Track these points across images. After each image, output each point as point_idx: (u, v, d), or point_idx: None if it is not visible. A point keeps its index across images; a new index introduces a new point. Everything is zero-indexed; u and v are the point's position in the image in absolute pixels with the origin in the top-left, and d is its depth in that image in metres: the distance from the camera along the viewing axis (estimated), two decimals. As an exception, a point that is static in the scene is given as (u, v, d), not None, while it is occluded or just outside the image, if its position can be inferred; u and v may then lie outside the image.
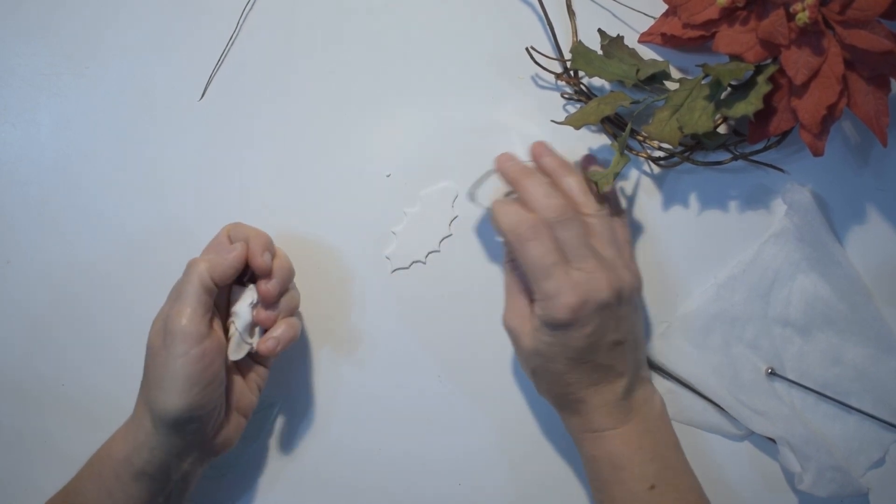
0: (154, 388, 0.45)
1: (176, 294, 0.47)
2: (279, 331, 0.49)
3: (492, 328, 0.53)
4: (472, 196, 0.53)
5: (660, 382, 0.54)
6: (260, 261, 0.48)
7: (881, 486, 0.54)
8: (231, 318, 0.49)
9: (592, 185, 0.50)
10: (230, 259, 0.47)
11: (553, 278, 0.45)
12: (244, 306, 0.48)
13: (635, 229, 0.54)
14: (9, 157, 0.57)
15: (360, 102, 0.55)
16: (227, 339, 0.48)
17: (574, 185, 0.49)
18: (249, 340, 0.49)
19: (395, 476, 0.55)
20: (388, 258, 0.55)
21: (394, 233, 0.55)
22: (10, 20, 0.57)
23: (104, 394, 0.56)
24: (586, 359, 0.46)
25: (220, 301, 0.49)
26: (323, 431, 0.55)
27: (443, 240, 0.55)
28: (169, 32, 0.56)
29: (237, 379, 0.50)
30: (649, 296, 0.54)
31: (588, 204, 0.48)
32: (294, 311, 0.51)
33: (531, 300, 0.48)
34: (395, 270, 0.55)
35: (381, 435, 0.55)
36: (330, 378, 0.55)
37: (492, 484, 0.55)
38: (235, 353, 0.48)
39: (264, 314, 0.49)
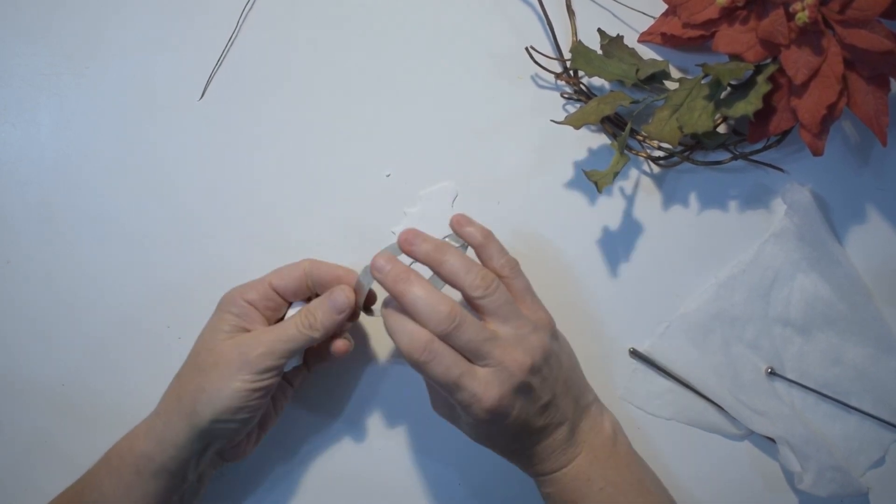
0: (205, 395, 0.46)
1: (277, 326, 0.47)
2: (342, 337, 0.50)
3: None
4: (361, 287, 0.49)
5: (660, 382, 0.54)
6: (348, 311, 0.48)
7: (881, 486, 0.53)
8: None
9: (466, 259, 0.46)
10: (338, 319, 0.48)
11: (463, 389, 0.44)
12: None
13: (635, 229, 0.54)
14: (9, 157, 0.57)
15: (359, 102, 0.55)
16: None
17: (454, 265, 0.45)
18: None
19: (394, 476, 0.55)
20: None
21: (394, 233, 0.55)
22: (10, 20, 0.57)
23: (104, 394, 0.56)
24: (523, 428, 0.46)
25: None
26: (322, 431, 0.55)
27: (443, 240, 0.55)
28: (169, 32, 0.56)
29: (269, 399, 0.50)
30: (649, 296, 0.54)
31: (478, 284, 0.45)
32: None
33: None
34: None
35: (381, 435, 0.55)
36: (329, 378, 0.55)
37: (492, 484, 0.55)
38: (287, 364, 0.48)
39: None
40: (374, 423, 0.55)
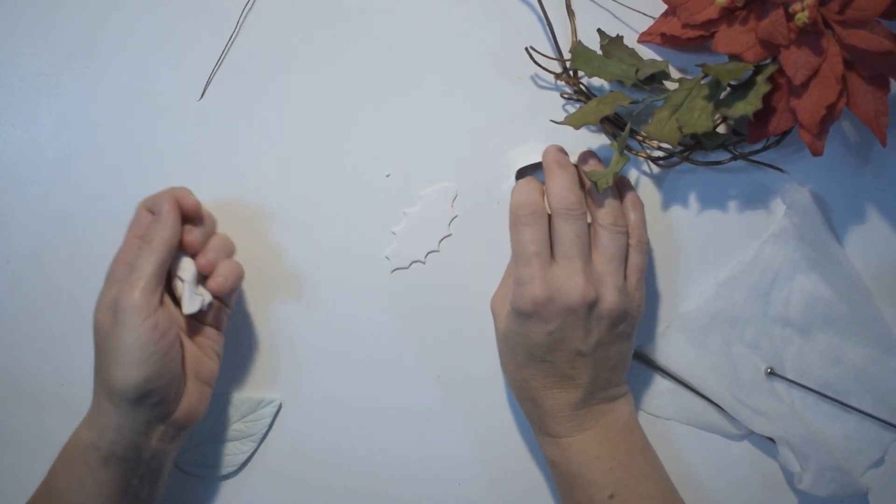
0: (111, 366, 0.45)
1: (124, 271, 0.47)
2: (223, 269, 0.49)
3: (492, 328, 0.54)
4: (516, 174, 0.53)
5: (660, 382, 0.54)
6: (190, 209, 0.49)
7: (881, 486, 0.54)
8: (176, 278, 0.49)
9: (615, 200, 0.49)
10: (171, 225, 0.48)
11: (530, 266, 0.46)
12: (186, 261, 0.49)
13: (635, 229, 0.54)
14: (9, 157, 0.57)
15: (359, 102, 0.55)
16: (178, 299, 0.49)
17: (602, 196, 0.49)
18: (199, 291, 0.49)
19: (394, 476, 0.55)
20: (387, 258, 0.55)
21: (394, 233, 0.55)
22: (10, 20, 0.57)
23: (104, 394, 0.56)
24: (545, 358, 0.47)
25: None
26: (322, 431, 0.55)
27: (442, 240, 0.55)
28: (169, 32, 0.56)
29: (190, 346, 0.49)
30: (649, 296, 0.54)
31: (609, 215, 0.48)
32: (232, 253, 0.51)
33: None
34: (394, 270, 0.55)
35: (381, 435, 0.55)
36: (329, 378, 0.55)
37: (491, 484, 0.55)
38: (190, 305, 0.48)
39: (204, 259, 0.49)
40: (374, 423, 0.55)
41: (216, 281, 0.49)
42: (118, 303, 0.45)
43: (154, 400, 0.46)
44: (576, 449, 0.47)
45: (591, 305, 0.46)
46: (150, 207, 0.50)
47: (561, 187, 0.48)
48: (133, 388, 0.45)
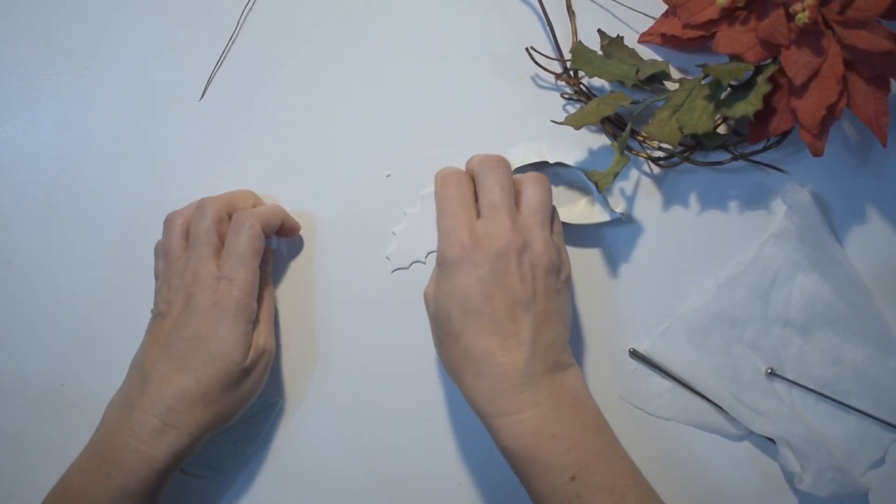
0: (235, 400, 0.49)
1: (269, 314, 0.51)
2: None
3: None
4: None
5: (659, 383, 0.54)
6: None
7: (881, 486, 0.54)
8: None
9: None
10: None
11: (455, 217, 0.46)
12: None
13: (635, 229, 0.54)
14: (9, 157, 0.57)
15: (359, 102, 0.55)
16: None
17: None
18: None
19: (394, 476, 0.55)
20: (388, 258, 0.55)
21: (394, 233, 0.55)
22: (10, 20, 0.57)
23: (104, 394, 0.56)
24: (481, 310, 0.44)
25: None
26: (322, 431, 0.55)
27: None
28: (169, 32, 0.56)
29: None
30: (649, 296, 0.54)
31: (532, 175, 0.48)
32: None
33: None
34: (395, 270, 0.55)
35: (381, 435, 0.55)
36: (330, 378, 0.55)
37: (491, 484, 0.55)
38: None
39: None
40: (374, 423, 0.55)
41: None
42: (266, 347, 0.50)
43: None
44: (529, 428, 0.43)
45: (521, 250, 0.45)
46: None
47: (482, 155, 0.49)
48: (233, 420, 0.50)
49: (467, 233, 0.45)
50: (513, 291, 0.45)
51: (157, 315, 0.50)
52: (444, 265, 0.46)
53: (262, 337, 0.49)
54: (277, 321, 0.55)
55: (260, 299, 0.50)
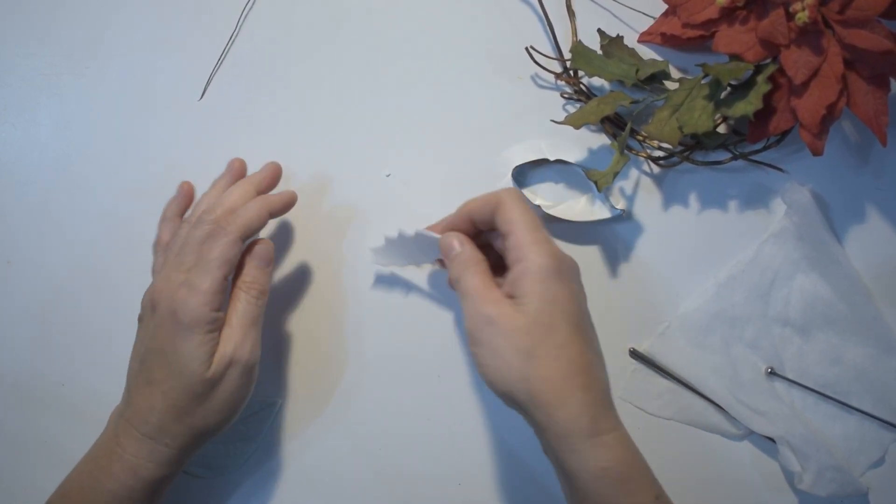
0: (209, 413, 0.47)
1: (244, 321, 0.48)
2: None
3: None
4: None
5: (659, 382, 0.54)
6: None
7: (881, 486, 0.53)
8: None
9: None
10: (269, 273, 0.50)
11: (545, 231, 0.45)
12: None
13: (635, 229, 0.54)
14: (9, 157, 0.57)
15: (359, 102, 0.55)
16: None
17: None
18: None
19: (394, 476, 0.55)
20: (371, 251, 0.54)
21: (387, 237, 0.54)
22: (10, 20, 0.57)
23: (104, 394, 0.56)
24: (580, 323, 0.44)
25: None
26: (322, 431, 0.55)
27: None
28: (169, 32, 0.56)
29: None
30: (649, 296, 0.54)
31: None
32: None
33: None
34: (375, 265, 0.54)
35: (381, 435, 0.55)
36: (330, 378, 0.55)
37: (491, 484, 0.55)
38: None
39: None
40: (374, 423, 0.55)
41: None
42: (240, 358, 0.47)
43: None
44: (626, 444, 0.42)
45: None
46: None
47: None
48: (221, 430, 0.48)
49: (558, 249, 0.44)
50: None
51: (138, 319, 0.49)
52: (547, 273, 0.43)
53: (230, 345, 0.46)
54: (276, 323, 0.55)
55: (233, 306, 0.48)
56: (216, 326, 0.46)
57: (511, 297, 0.44)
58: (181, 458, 0.47)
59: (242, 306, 0.47)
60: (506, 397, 0.44)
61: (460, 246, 0.47)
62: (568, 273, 0.44)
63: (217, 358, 0.46)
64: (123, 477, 0.45)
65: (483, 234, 0.49)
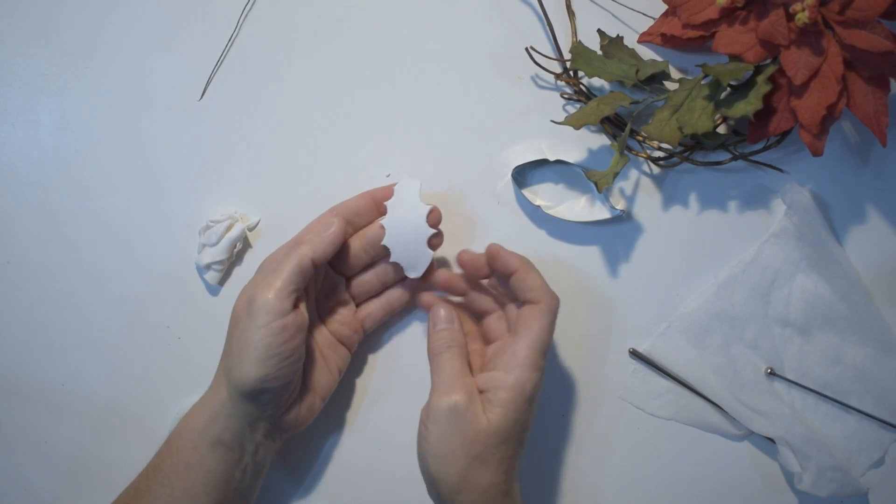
0: (233, 356, 0.46)
1: (271, 268, 0.48)
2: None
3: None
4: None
5: (659, 382, 0.54)
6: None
7: (881, 486, 0.54)
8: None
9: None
10: (329, 237, 0.48)
11: (545, 357, 0.48)
12: (420, 219, 0.49)
13: (635, 229, 0.54)
14: (9, 157, 0.57)
15: (359, 102, 0.55)
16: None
17: None
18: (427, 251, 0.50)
19: (394, 476, 0.55)
20: None
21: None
22: (10, 20, 0.57)
23: (103, 394, 0.56)
24: (524, 441, 0.48)
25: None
26: (322, 431, 0.55)
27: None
28: (169, 32, 0.56)
29: (318, 358, 0.50)
30: (649, 296, 0.54)
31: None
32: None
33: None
34: None
35: (381, 435, 0.55)
36: (330, 378, 0.55)
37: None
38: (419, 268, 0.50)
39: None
40: (376, 419, 0.55)
41: (438, 238, 0.50)
42: (254, 297, 0.46)
43: (266, 398, 0.47)
44: None
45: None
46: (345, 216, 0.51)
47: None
48: (248, 384, 0.46)
49: (541, 372, 0.47)
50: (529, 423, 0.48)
51: None
52: (525, 397, 0.46)
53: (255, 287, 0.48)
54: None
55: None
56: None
57: (482, 392, 0.47)
58: (230, 416, 0.47)
59: (280, 256, 0.48)
60: (431, 481, 0.46)
61: (449, 323, 0.50)
62: (538, 394, 0.47)
63: (245, 294, 0.47)
64: (196, 434, 0.47)
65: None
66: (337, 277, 0.52)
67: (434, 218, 0.50)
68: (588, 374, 0.55)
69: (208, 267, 0.54)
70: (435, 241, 0.50)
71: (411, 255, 0.50)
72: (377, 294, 0.53)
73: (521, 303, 0.48)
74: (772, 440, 0.53)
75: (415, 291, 0.53)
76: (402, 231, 0.49)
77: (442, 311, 0.50)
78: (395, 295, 0.53)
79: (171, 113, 0.56)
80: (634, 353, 0.55)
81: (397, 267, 0.51)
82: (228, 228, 0.54)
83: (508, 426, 0.45)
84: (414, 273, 0.50)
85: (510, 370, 0.46)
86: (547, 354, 0.47)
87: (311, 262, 0.47)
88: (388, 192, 0.51)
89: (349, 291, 0.52)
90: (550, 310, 0.47)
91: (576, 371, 0.55)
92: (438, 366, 0.48)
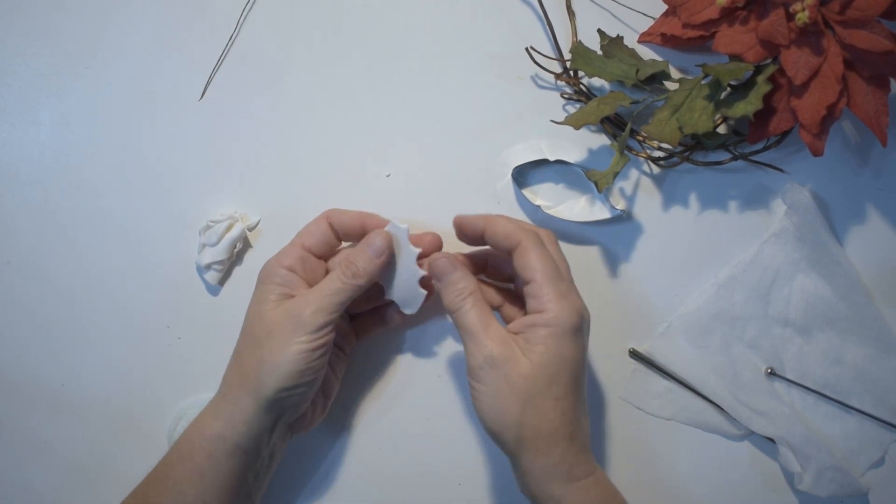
0: (266, 365, 0.46)
1: (292, 278, 0.48)
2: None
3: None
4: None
5: (659, 382, 0.54)
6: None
7: (881, 486, 0.54)
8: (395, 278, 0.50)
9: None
10: (378, 263, 0.48)
11: (569, 283, 0.47)
12: (411, 263, 0.49)
13: (635, 229, 0.54)
14: (9, 157, 0.57)
15: (360, 102, 0.55)
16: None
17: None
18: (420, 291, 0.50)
19: (394, 476, 0.55)
20: None
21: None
22: (10, 20, 0.57)
23: (103, 394, 0.56)
24: (580, 380, 0.46)
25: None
26: (322, 431, 0.55)
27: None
28: (169, 32, 0.56)
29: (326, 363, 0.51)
30: (649, 296, 0.54)
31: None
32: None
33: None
34: None
35: (381, 434, 0.55)
36: (330, 378, 0.55)
37: (491, 484, 0.55)
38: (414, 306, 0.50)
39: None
40: (375, 422, 0.55)
41: (429, 281, 0.50)
42: (301, 314, 0.46)
43: (290, 403, 0.47)
44: (603, 485, 0.45)
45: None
46: (335, 224, 0.50)
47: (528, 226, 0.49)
48: (281, 393, 0.46)
49: (581, 301, 0.45)
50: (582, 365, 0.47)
51: None
52: (565, 329, 0.44)
53: (298, 301, 0.48)
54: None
55: (326, 277, 0.49)
56: (287, 281, 0.47)
57: (517, 334, 0.45)
58: (251, 422, 0.46)
59: (330, 278, 0.48)
60: (494, 436, 0.46)
61: (453, 269, 0.48)
62: (583, 328, 0.45)
63: (280, 306, 0.47)
64: (207, 436, 0.47)
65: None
66: None
67: (422, 262, 0.50)
68: (588, 374, 0.55)
69: (208, 267, 0.54)
70: (427, 283, 0.50)
71: (406, 294, 0.50)
72: (369, 310, 0.53)
73: (509, 257, 0.47)
74: (772, 440, 0.53)
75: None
76: (395, 273, 0.50)
77: (441, 261, 0.48)
78: (389, 312, 0.53)
79: (171, 113, 0.56)
80: (634, 353, 0.55)
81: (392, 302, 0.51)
82: (228, 228, 0.54)
83: (554, 362, 0.44)
84: (409, 310, 0.51)
85: (539, 311, 0.44)
86: (569, 280, 0.46)
87: (361, 292, 0.47)
88: (379, 223, 0.50)
89: None
90: (535, 243, 0.46)
91: (576, 371, 0.55)
92: (460, 322, 0.46)
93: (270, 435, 0.48)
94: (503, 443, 0.45)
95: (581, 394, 0.46)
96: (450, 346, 0.55)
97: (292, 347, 0.45)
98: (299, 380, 0.46)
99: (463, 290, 0.47)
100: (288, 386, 0.46)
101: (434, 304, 0.55)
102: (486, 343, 0.45)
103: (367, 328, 0.53)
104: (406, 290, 0.50)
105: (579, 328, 0.45)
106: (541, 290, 0.45)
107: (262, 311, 0.47)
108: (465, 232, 0.49)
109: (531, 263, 0.45)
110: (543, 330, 0.44)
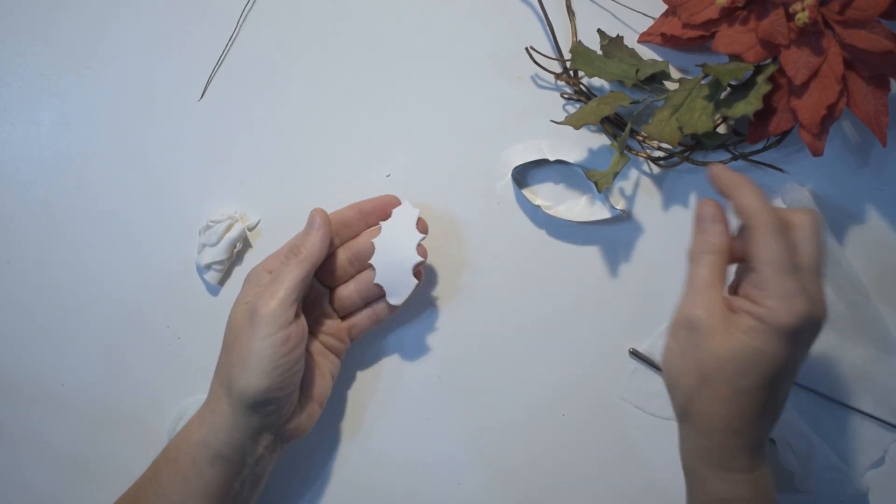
0: (235, 368, 0.46)
1: (262, 278, 0.48)
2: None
3: (492, 328, 0.54)
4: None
5: (659, 382, 0.54)
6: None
7: (881, 486, 0.53)
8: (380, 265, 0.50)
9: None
10: (320, 238, 0.48)
11: (792, 279, 0.41)
12: (411, 247, 0.49)
13: (635, 229, 0.54)
14: (9, 157, 0.57)
15: (359, 102, 0.55)
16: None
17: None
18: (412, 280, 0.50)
19: (394, 476, 0.55)
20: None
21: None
22: (10, 20, 0.57)
23: (103, 394, 0.56)
24: (779, 384, 0.42)
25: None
26: (323, 431, 0.55)
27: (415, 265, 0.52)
28: (169, 32, 0.56)
29: (313, 366, 0.50)
30: (649, 296, 0.54)
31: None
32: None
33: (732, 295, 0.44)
34: None
35: (381, 435, 0.55)
36: (330, 378, 0.55)
37: (491, 484, 0.55)
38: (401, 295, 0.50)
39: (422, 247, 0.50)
40: (375, 423, 0.55)
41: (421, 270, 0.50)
42: (256, 308, 0.46)
43: (270, 409, 0.46)
44: (758, 488, 0.42)
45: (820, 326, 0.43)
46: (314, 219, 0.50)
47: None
48: (254, 395, 0.45)
49: (812, 305, 0.41)
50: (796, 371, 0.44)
51: None
52: (770, 327, 0.40)
53: (258, 297, 0.48)
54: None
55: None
56: (265, 284, 0.48)
57: (735, 312, 0.42)
58: (231, 430, 0.46)
59: (278, 266, 0.48)
60: (668, 390, 0.44)
61: (712, 222, 0.44)
62: (802, 333, 0.41)
63: (243, 305, 0.47)
64: (193, 447, 0.47)
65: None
66: (321, 288, 0.52)
67: (422, 249, 0.50)
68: (588, 374, 0.55)
69: (208, 267, 0.54)
70: (419, 271, 0.50)
71: (396, 281, 0.50)
72: (360, 308, 0.53)
73: (748, 258, 0.43)
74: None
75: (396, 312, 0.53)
76: (392, 254, 0.50)
77: (707, 209, 0.44)
78: (381, 307, 0.52)
79: (171, 113, 0.56)
80: (634, 353, 0.55)
81: (380, 288, 0.51)
82: (228, 228, 0.54)
83: (748, 357, 0.40)
84: (395, 300, 0.50)
85: (760, 300, 0.41)
86: (811, 276, 0.42)
87: (312, 269, 0.47)
88: (376, 203, 0.51)
89: (332, 304, 0.52)
90: (770, 231, 0.41)
91: (576, 371, 0.55)
92: (691, 273, 0.43)
93: (254, 442, 0.47)
94: (672, 400, 0.44)
95: (774, 398, 0.42)
96: (449, 347, 0.55)
97: (256, 344, 0.45)
98: (272, 379, 0.45)
99: (711, 245, 0.43)
100: (261, 387, 0.45)
101: (427, 302, 0.55)
102: (697, 304, 0.42)
103: (358, 325, 0.53)
104: (397, 275, 0.50)
105: (795, 332, 0.40)
106: (763, 283, 0.41)
107: (231, 315, 0.48)
108: (715, 187, 0.45)
109: (759, 253, 0.41)
110: (752, 322, 0.41)
